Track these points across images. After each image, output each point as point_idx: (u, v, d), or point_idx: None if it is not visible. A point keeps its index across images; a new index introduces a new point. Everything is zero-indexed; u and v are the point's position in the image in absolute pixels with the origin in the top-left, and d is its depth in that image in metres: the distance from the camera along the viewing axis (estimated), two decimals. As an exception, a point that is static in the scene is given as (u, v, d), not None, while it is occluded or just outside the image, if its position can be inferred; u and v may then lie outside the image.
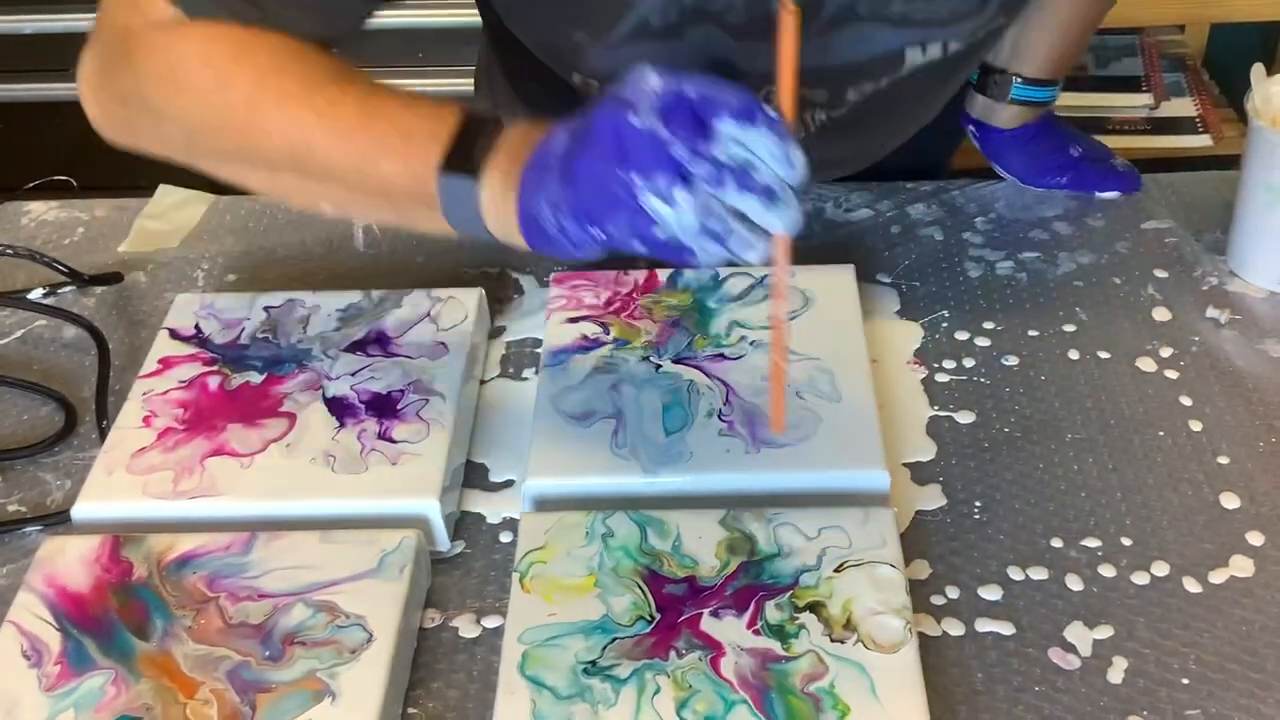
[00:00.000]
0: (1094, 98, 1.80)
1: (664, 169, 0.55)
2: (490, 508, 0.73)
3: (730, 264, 0.68)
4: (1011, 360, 0.81)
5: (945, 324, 0.84)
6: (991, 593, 0.67)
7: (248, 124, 0.67)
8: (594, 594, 0.63)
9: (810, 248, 0.91)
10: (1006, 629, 0.65)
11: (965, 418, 0.77)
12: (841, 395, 0.74)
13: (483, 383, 0.81)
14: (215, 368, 0.78)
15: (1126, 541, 0.69)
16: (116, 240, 0.96)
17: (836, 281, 0.82)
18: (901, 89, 0.82)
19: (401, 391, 0.75)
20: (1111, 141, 1.02)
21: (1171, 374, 0.79)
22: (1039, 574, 0.68)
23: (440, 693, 0.64)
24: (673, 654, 0.60)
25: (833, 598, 0.62)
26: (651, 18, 0.73)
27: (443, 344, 0.79)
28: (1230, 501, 0.71)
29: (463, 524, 0.73)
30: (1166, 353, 0.81)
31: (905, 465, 0.74)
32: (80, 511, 0.70)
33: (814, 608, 0.62)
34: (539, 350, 0.81)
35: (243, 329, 0.81)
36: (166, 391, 0.76)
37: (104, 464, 0.72)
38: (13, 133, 1.99)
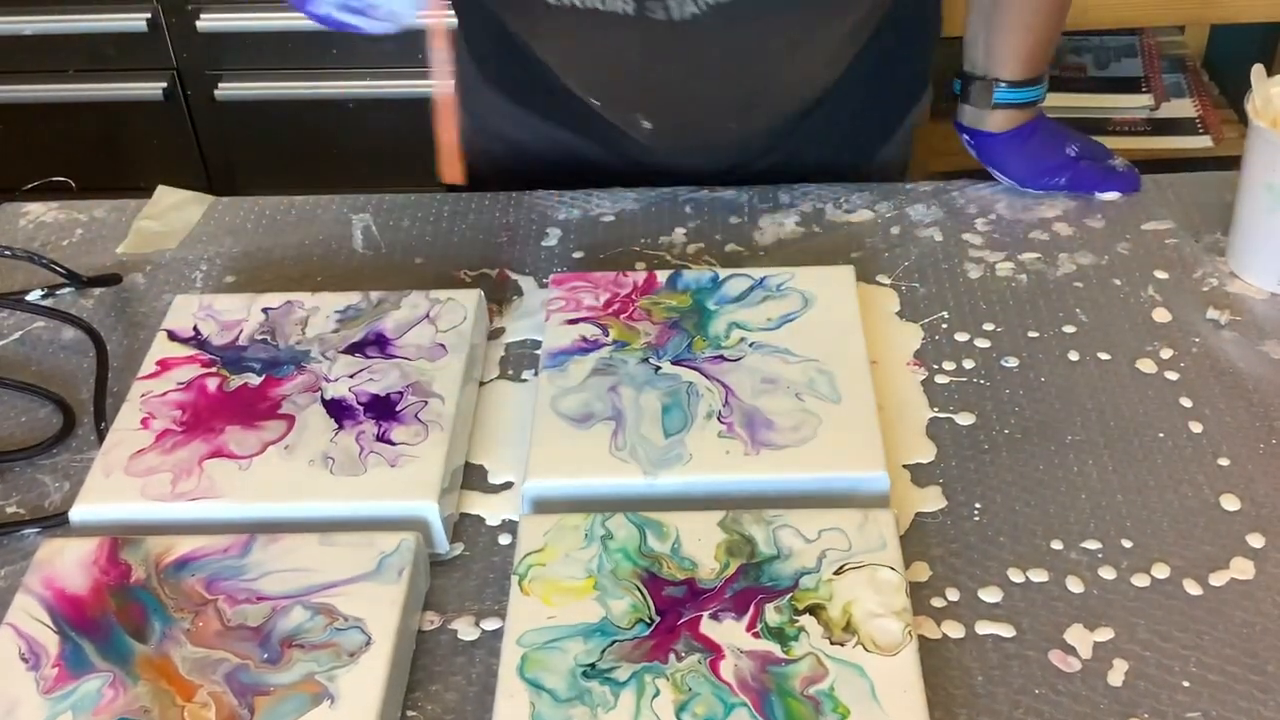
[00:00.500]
0: (1094, 98, 1.80)
1: None
2: (489, 510, 0.73)
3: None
4: (1011, 362, 0.81)
5: (945, 325, 0.84)
6: (992, 595, 0.67)
7: None
8: (593, 596, 0.63)
9: (810, 248, 0.91)
10: (1007, 631, 0.65)
11: (965, 419, 0.77)
12: (841, 397, 0.73)
13: (482, 384, 0.81)
14: (213, 369, 0.78)
15: (1127, 544, 0.69)
16: (115, 241, 0.95)
17: (836, 282, 0.82)
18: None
19: (400, 393, 0.75)
20: (1111, 142, 1.01)
21: (1172, 375, 0.79)
22: (1039, 576, 0.68)
23: (439, 695, 0.64)
24: (672, 657, 0.60)
25: (832, 600, 0.62)
26: None
27: (442, 346, 0.79)
28: (1231, 503, 0.71)
29: (462, 526, 0.73)
30: (1167, 354, 0.81)
31: (905, 467, 0.74)
32: (78, 513, 0.70)
33: (814, 610, 0.62)
34: (538, 352, 0.81)
35: (241, 330, 0.81)
36: (165, 393, 0.76)
37: (102, 466, 0.72)
38: (13, 133, 1.99)
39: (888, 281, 0.88)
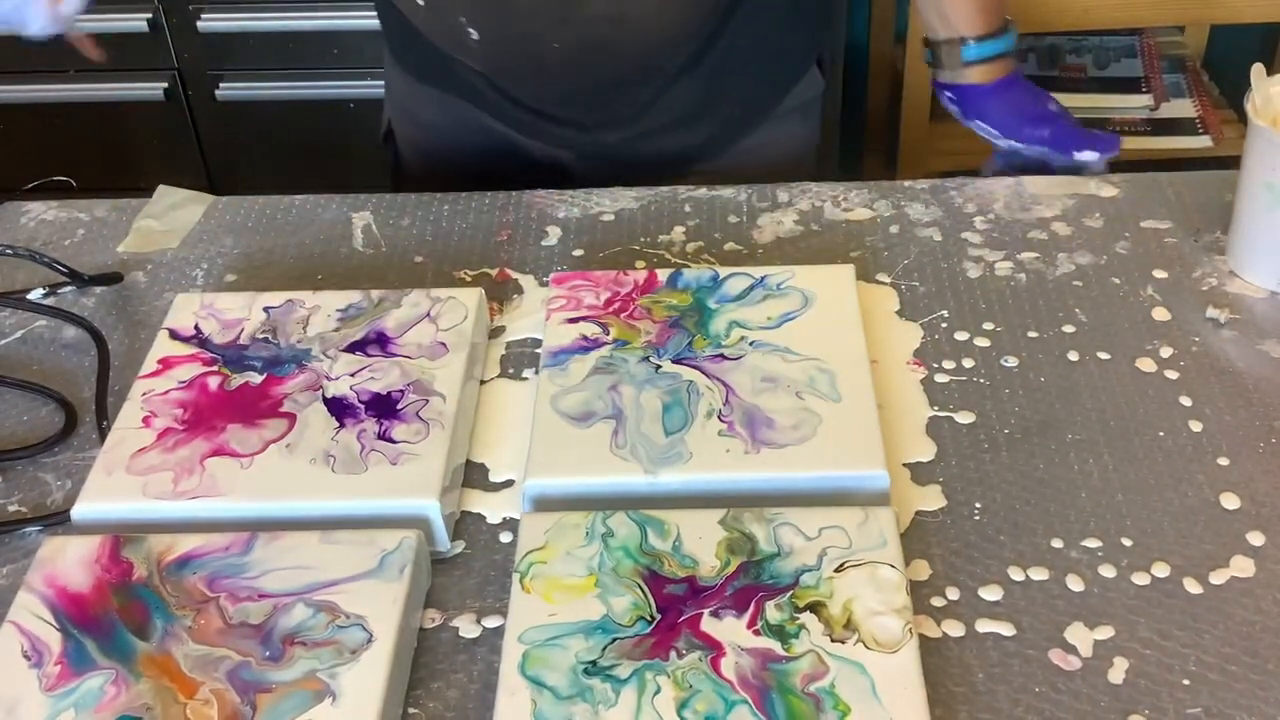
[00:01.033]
0: (1094, 98, 1.80)
1: None
2: (490, 508, 0.73)
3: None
4: (1011, 361, 0.81)
5: (945, 324, 0.84)
6: (992, 593, 0.67)
7: None
8: (594, 594, 0.63)
9: (809, 247, 0.91)
10: (1007, 630, 0.65)
11: (965, 418, 0.77)
12: (841, 395, 0.74)
13: (483, 383, 0.81)
14: (215, 368, 0.78)
15: (1127, 542, 0.69)
16: (116, 240, 0.96)
17: (836, 281, 0.82)
18: None
19: (401, 392, 0.75)
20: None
21: (1171, 374, 0.79)
22: (1039, 575, 0.68)
23: (440, 693, 0.64)
24: (673, 654, 0.60)
25: (833, 598, 0.62)
26: None
27: (442, 344, 0.79)
28: (1230, 502, 0.71)
29: (463, 524, 0.73)
30: (1166, 353, 0.81)
31: (905, 466, 0.74)
32: (80, 512, 0.70)
33: (814, 608, 0.62)
34: (539, 350, 0.81)
35: (242, 329, 0.81)
36: (166, 392, 0.76)
37: (104, 464, 0.72)
38: (13, 133, 1.99)
39: (887, 280, 0.88)
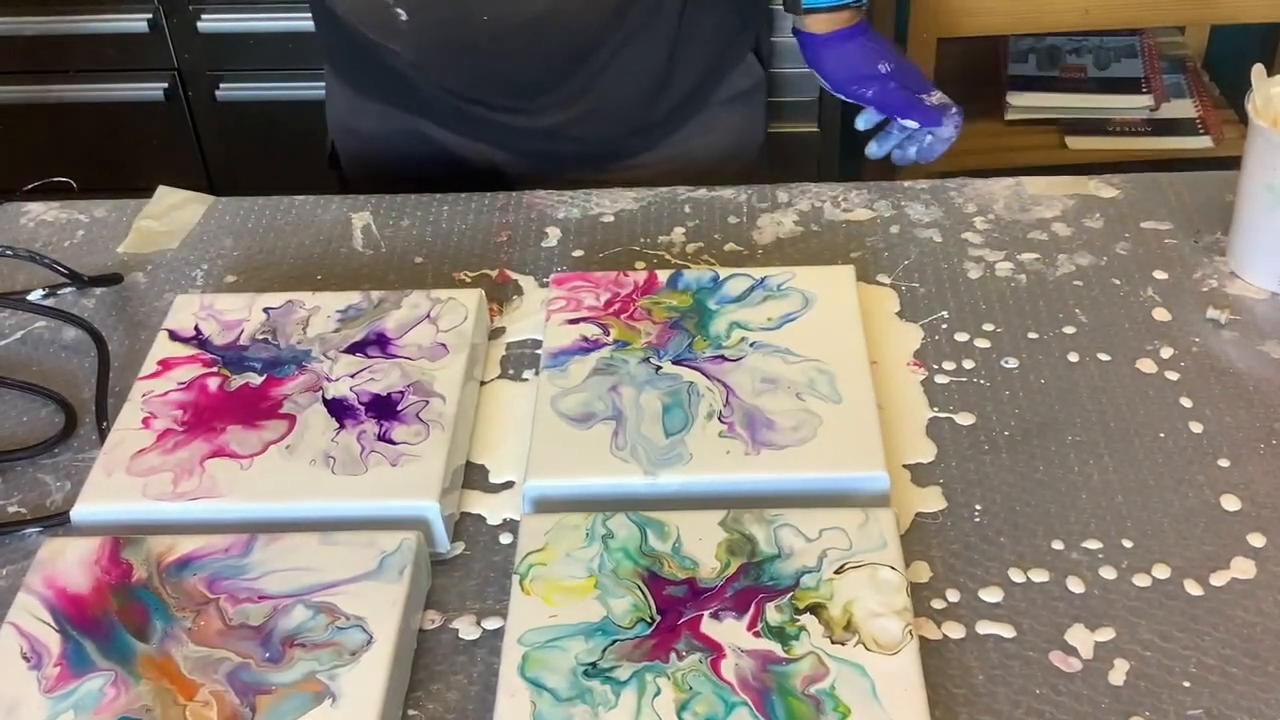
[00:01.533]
0: (1094, 99, 1.80)
1: None
2: (490, 509, 0.73)
3: None
4: (1011, 362, 0.81)
5: (945, 325, 0.84)
6: (992, 595, 0.67)
7: None
8: (594, 596, 0.63)
9: (810, 248, 0.91)
10: (1007, 631, 0.65)
11: (965, 419, 0.77)
12: (841, 397, 0.73)
13: (483, 384, 0.81)
14: (215, 369, 0.78)
15: (1127, 544, 0.69)
16: (116, 241, 0.96)
17: (836, 282, 0.82)
18: None
19: (401, 393, 0.75)
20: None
21: (1172, 375, 0.79)
22: (1040, 576, 0.68)
23: (440, 694, 0.64)
24: (673, 656, 0.60)
25: (833, 599, 0.62)
26: None
27: (442, 345, 0.79)
28: (1231, 503, 0.71)
29: (463, 525, 0.73)
30: (1167, 354, 0.81)
31: (905, 467, 0.74)
32: (80, 513, 0.70)
33: (814, 609, 0.62)
34: (539, 351, 0.81)
35: (242, 330, 0.81)
36: (166, 393, 0.76)
37: (104, 465, 0.72)
38: (13, 133, 1.99)
39: (887, 281, 0.88)
